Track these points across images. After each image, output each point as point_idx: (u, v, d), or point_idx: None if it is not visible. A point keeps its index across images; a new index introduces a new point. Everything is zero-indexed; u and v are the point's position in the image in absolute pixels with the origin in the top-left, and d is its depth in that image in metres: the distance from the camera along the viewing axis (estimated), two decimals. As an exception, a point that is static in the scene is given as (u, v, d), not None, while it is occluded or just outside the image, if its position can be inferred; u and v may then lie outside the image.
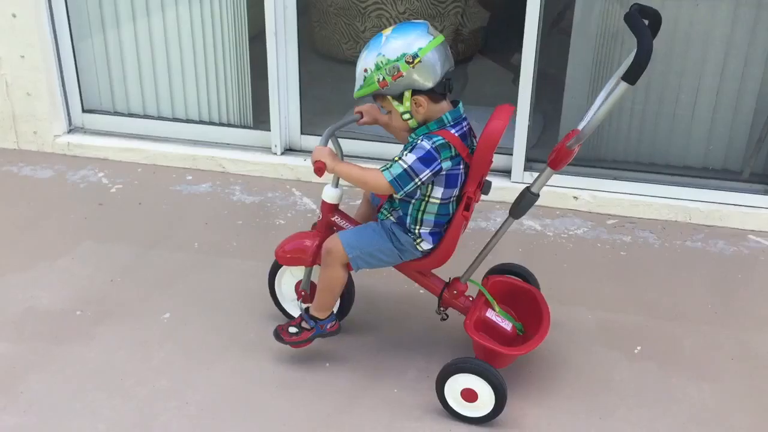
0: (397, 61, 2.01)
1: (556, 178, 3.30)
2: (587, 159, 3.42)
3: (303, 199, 3.46)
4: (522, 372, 2.36)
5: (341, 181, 2.28)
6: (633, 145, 3.45)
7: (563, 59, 3.38)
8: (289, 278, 2.52)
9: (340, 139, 2.33)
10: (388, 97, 2.09)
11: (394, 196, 2.15)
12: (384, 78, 2.03)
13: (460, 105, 2.15)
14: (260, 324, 2.56)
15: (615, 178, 3.38)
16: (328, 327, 2.35)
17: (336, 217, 2.33)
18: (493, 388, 2.12)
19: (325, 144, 2.20)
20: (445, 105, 2.11)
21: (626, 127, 3.42)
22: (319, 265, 2.32)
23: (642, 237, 3.19)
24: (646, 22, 1.95)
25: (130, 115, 3.92)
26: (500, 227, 2.29)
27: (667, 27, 2.78)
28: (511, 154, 3.47)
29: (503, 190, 3.41)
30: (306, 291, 2.43)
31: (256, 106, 3.80)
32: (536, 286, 2.47)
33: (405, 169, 2.05)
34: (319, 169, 2.13)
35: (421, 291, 2.43)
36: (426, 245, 2.21)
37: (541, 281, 2.53)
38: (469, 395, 2.16)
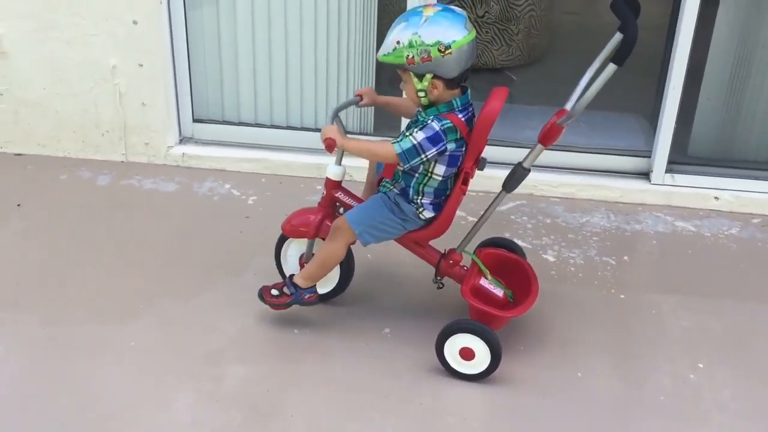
0: (431, 46, 2.15)
1: (697, 179, 3.48)
2: (727, 159, 3.51)
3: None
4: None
5: (344, 160, 2.45)
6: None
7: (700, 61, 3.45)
8: (294, 250, 2.66)
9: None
10: (410, 72, 2.22)
11: (399, 168, 2.35)
12: (413, 56, 2.17)
13: (468, 92, 2.32)
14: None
15: (756, 178, 3.47)
16: (307, 297, 2.49)
17: (339, 193, 2.49)
18: (489, 347, 2.30)
19: (332, 123, 2.38)
20: (456, 92, 2.28)
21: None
22: (322, 238, 2.47)
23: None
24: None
25: (241, 123, 3.82)
26: (492, 201, 2.45)
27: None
28: (649, 156, 3.53)
29: (644, 193, 3.48)
30: (308, 262, 2.56)
31: (378, 113, 3.76)
32: (523, 257, 2.67)
33: (414, 145, 2.22)
34: (329, 146, 2.28)
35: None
36: (428, 213, 2.38)
37: (746, 286, 2.60)
38: (467, 353, 2.33)
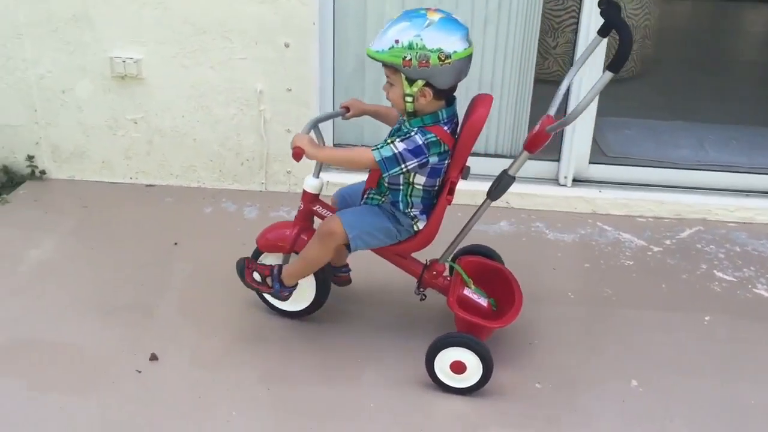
0: (432, 52, 2.04)
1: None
2: None
3: (620, 234, 3.25)
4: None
5: (322, 173, 2.38)
6: None
7: None
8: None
9: None
10: (401, 74, 2.10)
11: (383, 180, 2.27)
12: (411, 59, 2.05)
13: (455, 103, 2.23)
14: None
15: None
16: (285, 294, 2.44)
17: (317, 206, 2.41)
18: (480, 359, 2.22)
19: (307, 132, 2.26)
20: (442, 103, 2.18)
21: None
22: (296, 252, 2.41)
23: None
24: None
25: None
26: (477, 209, 2.38)
27: None
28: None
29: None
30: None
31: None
32: (501, 263, 2.61)
33: (394, 154, 2.13)
34: (297, 154, 2.17)
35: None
36: (422, 224, 2.31)
37: None
38: (458, 367, 2.25)
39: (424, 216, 2.30)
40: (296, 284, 2.44)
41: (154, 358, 2.37)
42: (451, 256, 2.49)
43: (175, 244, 3.05)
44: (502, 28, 3.38)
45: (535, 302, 2.75)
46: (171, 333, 2.50)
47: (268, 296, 2.57)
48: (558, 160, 3.50)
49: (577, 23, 3.28)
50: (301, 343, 2.48)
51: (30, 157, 3.54)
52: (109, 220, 3.25)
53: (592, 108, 3.39)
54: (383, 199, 2.34)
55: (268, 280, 2.43)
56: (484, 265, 2.54)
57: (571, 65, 2.38)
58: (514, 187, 3.35)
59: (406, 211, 2.29)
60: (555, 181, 3.53)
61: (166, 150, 3.51)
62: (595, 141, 3.48)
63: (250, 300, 2.65)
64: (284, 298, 2.46)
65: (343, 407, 2.23)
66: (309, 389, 2.30)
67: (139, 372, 2.31)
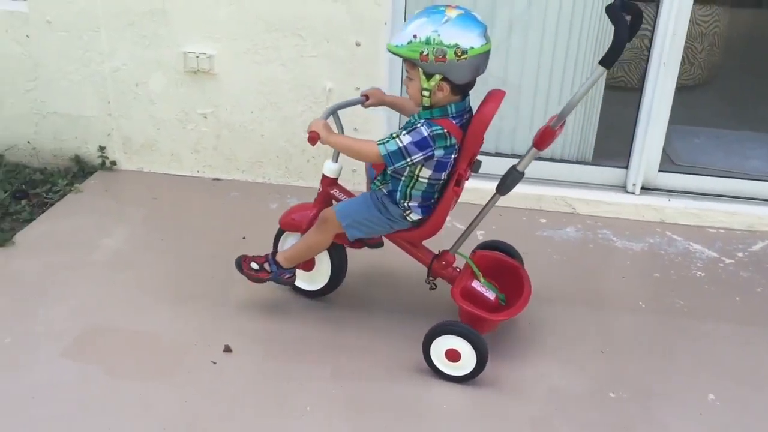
0: (448, 47, 2.07)
1: None
2: None
3: (690, 244, 3.19)
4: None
5: (341, 158, 2.42)
6: None
7: None
8: (291, 243, 2.63)
9: None
10: (419, 69, 2.13)
11: (388, 170, 2.29)
12: (428, 54, 2.09)
13: (467, 99, 2.25)
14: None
15: None
16: (286, 277, 2.54)
17: (335, 190, 2.51)
18: (474, 349, 2.26)
19: (326, 118, 2.34)
20: (457, 98, 2.20)
21: None
22: None
23: None
24: (629, 17, 2.13)
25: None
26: (487, 203, 2.43)
27: None
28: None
29: None
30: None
31: (597, 142, 3.54)
32: (520, 262, 2.62)
33: (399, 148, 2.16)
34: (312, 138, 2.26)
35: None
36: (415, 216, 2.34)
37: None
38: (453, 355, 2.29)
39: (420, 209, 2.33)
40: (294, 268, 2.54)
41: (228, 350, 2.40)
42: (467, 248, 2.53)
43: (243, 238, 3.09)
44: (574, 35, 3.35)
45: (604, 310, 2.73)
46: (242, 326, 2.53)
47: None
48: (626, 167, 3.45)
49: (653, 30, 3.23)
50: (372, 340, 2.49)
51: (101, 148, 3.62)
52: (178, 212, 3.31)
53: (664, 115, 3.34)
54: (381, 186, 2.40)
55: (266, 266, 2.53)
56: (500, 261, 2.58)
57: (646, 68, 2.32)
58: (581, 193, 3.43)
59: (400, 201, 2.33)
60: (623, 188, 3.48)
61: (233, 145, 3.55)
62: (662, 149, 3.42)
63: (329, 298, 2.69)
64: (286, 281, 2.56)
65: (414, 406, 2.23)
66: (380, 386, 2.30)
67: (214, 363, 2.34)
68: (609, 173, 3.49)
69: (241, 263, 2.55)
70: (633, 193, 3.44)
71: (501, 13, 3.37)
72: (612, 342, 2.54)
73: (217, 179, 3.63)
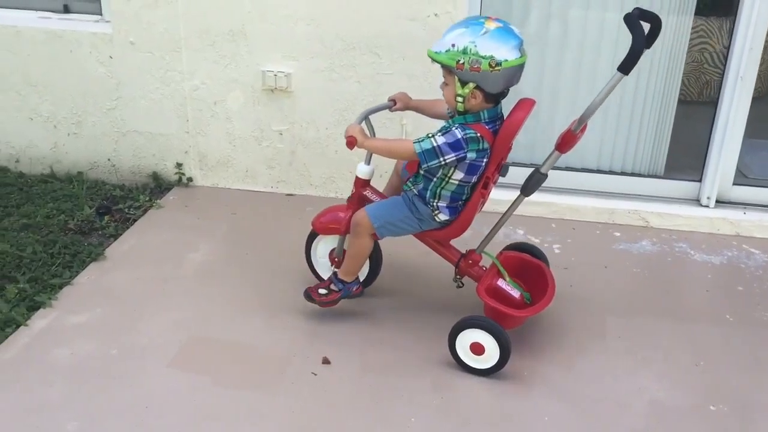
0: (483, 58, 2.19)
1: None
2: None
3: (768, 258, 3.19)
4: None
5: (373, 160, 2.54)
6: None
7: None
8: (323, 247, 2.80)
9: None
10: (455, 76, 2.25)
11: (420, 171, 2.41)
12: (464, 63, 2.21)
13: (500, 106, 2.36)
14: None
15: None
16: (354, 289, 2.65)
17: (367, 191, 2.60)
18: (498, 343, 2.35)
19: (359, 123, 2.46)
20: (490, 105, 2.31)
21: None
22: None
23: None
24: (648, 25, 2.22)
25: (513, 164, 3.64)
26: (511, 204, 2.52)
27: None
28: None
29: None
30: (339, 257, 2.67)
31: (669, 155, 3.55)
32: (546, 264, 2.69)
33: (434, 147, 2.28)
34: (350, 143, 2.37)
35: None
36: (443, 216, 2.44)
37: None
38: (477, 348, 2.38)
39: (448, 210, 2.43)
40: (357, 277, 2.65)
41: (326, 361, 2.44)
42: (488, 247, 2.61)
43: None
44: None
45: (692, 323, 2.73)
46: (337, 338, 2.58)
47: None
48: (700, 181, 3.46)
49: (729, 45, 3.25)
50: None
51: (178, 165, 3.71)
52: (257, 226, 3.37)
53: (739, 129, 3.35)
54: (412, 187, 2.49)
55: (332, 287, 2.62)
56: (526, 261, 2.66)
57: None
58: (654, 207, 3.44)
59: (430, 200, 2.43)
60: (696, 201, 3.48)
61: (307, 161, 3.62)
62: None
63: (406, 306, 2.75)
64: (356, 293, 2.66)
65: (516, 419, 2.26)
66: (480, 399, 2.33)
67: (315, 374, 2.39)
68: (682, 186, 3.50)
69: (310, 294, 2.64)
70: (707, 206, 3.44)
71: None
72: (705, 355, 2.55)
73: (291, 194, 3.69)
